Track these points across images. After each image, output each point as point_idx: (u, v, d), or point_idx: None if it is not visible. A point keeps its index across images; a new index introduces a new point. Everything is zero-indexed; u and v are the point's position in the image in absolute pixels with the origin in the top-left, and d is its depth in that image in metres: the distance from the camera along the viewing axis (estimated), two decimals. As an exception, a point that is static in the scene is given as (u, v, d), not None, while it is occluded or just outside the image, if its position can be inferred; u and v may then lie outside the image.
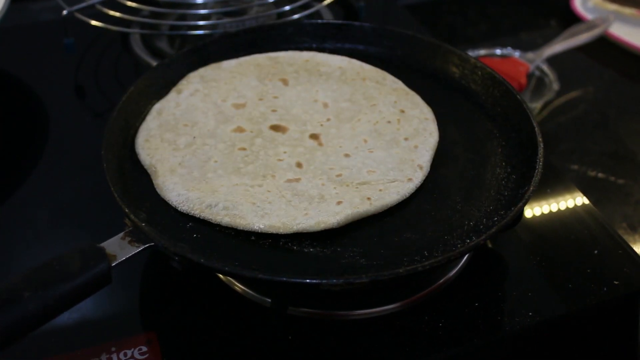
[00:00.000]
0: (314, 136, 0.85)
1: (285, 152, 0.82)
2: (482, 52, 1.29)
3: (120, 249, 0.67)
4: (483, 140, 0.87)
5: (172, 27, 1.20)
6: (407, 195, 0.78)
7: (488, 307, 0.79)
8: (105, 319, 0.77)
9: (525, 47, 1.32)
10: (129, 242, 0.68)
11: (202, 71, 0.93)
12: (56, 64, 1.20)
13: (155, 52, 1.19)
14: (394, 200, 0.77)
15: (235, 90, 0.91)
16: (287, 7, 1.14)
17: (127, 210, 0.71)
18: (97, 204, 0.92)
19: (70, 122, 1.10)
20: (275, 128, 0.85)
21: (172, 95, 0.89)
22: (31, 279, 0.62)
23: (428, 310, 0.78)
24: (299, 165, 0.80)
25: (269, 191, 0.77)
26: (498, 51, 1.29)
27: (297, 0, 1.14)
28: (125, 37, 1.23)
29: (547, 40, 1.35)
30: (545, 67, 1.26)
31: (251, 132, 0.85)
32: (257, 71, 0.94)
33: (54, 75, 1.18)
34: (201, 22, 1.11)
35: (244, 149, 0.82)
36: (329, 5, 1.16)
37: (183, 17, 1.19)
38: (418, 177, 0.80)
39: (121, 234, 0.69)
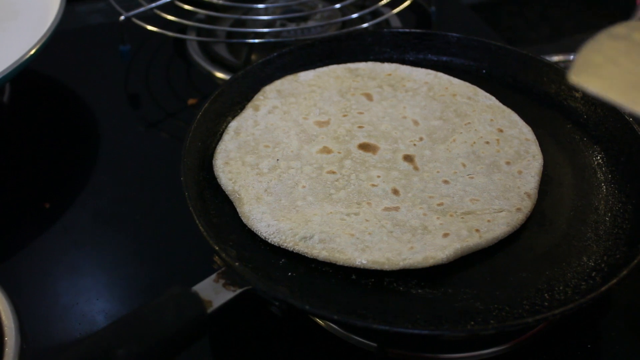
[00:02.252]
0: (408, 158, 0.77)
1: (378, 177, 0.75)
2: (555, 58, 1.21)
3: (214, 293, 0.60)
4: (589, 164, 0.79)
5: (230, 34, 1.12)
6: (518, 226, 0.71)
7: (600, 351, 0.72)
8: None
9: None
10: (223, 285, 0.61)
11: (278, 84, 0.86)
12: (105, 70, 1.14)
13: (213, 58, 1.11)
14: (504, 232, 0.70)
15: (316, 106, 0.84)
16: (354, 15, 1.06)
17: (217, 248, 0.64)
18: (154, 220, 0.87)
19: (122, 132, 1.03)
20: (365, 147, 0.78)
21: (249, 113, 0.82)
22: (123, 333, 0.55)
23: (534, 354, 0.71)
24: (395, 192, 0.73)
25: (367, 220, 0.70)
26: (572, 57, 1.20)
27: (364, 7, 1.07)
28: (180, 41, 1.16)
29: (614, 44, 1.27)
30: None
31: (339, 152, 0.78)
32: (337, 84, 0.87)
33: (104, 81, 1.12)
34: (265, 30, 1.04)
35: (333, 172, 0.75)
36: (399, 13, 1.08)
37: (242, 22, 1.12)
38: (527, 207, 0.73)
39: (213, 276, 0.61)
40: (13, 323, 0.71)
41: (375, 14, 1.14)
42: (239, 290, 0.60)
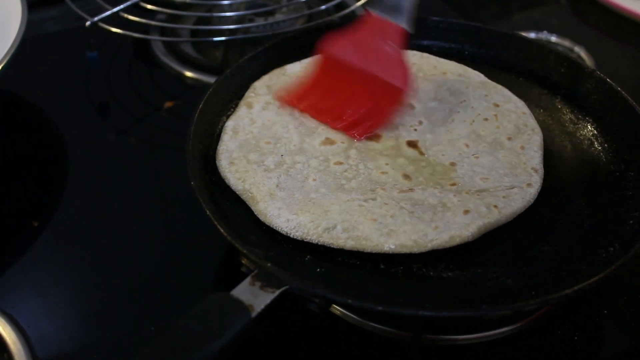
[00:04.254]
0: (412, 144, 0.77)
1: (387, 164, 0.74)
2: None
3: (253, 296, 0.58)
4: (585, 135, 0.81)
5: (195, 32, 1.09)
6: (532, 201, 0.72)
7: (604, 327, 0.74)
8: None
9: (541, 27, 1.26)
10: (260, 287, 0.59)
11: (267, 80, 0.84)
12: (67, 79, 1.08)
13: (181, 58, 1.08)
14: (521, 207, 0.71)
15: (309, 99, 0.82)
16: (322, 7, 1.05)
17: (245, 251, 0.61)
18: (147, 228, 0.84)
19: (91, 144, 0.98)
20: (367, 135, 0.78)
21: (243, 111, 0.80)
22: (173, 348, 0.52)
23: (560, 325, 0.72)
24: (406, 177, 0.73)
25: (385, 204, 0.69)
26: (532, 35, 1.22)
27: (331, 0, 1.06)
28: (144, 43, 1.11)
29: (562, 18, 1.31)
30: (582, 52, 1.20)
31: (342, 142, 0.77)
32: (325, 74, 0.86)
33: (67, 91, 1.06)
34: (237, 26, 1.01)
35: (340, 163, 0.74)
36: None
37: (207, 19, 1.09)
38: (536, 182, 0.74)
39: (248, 279, 0.59)
40: (24, 353, 0.67)
41: (342, 5, 1.12)
42: (277, 291, 0.59)
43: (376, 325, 0.70)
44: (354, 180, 0.72)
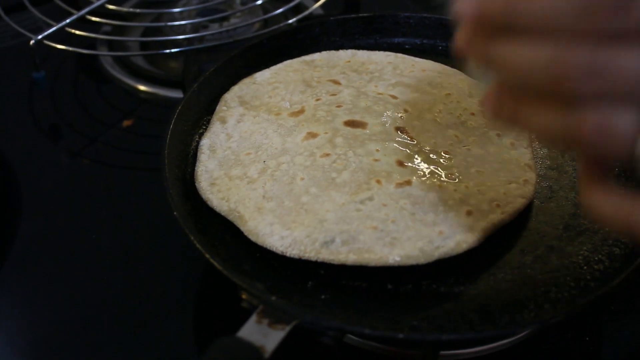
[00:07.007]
0: (401, 129, 0.73)
1: (378, 151, 0.69)
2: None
3: (263, 336, 0.53)
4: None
5: (145, 43, 1.03)
6: (532, 198, 0.69)
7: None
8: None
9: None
10: (269, 324, 0.54)
11: (237, 90, 0.79)
12: (10, 101, 1.00)
13: (133, 71, 1.01)
14: (522, 204, 0.67)
15: (284, 100, 0.77)
16: (279, 10, 1.00)
17: (245, 286, 0.56)
18: (104, 265, 0.76)
19: (43, 169, 0.91)
20: (352, 124, 0.73)
21: (217, 127, 0.74)
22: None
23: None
24: (400, 164, 0.68)
25: (384, 205, 0.64)
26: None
27: (287, 2, 1.01)
28: (91, 58, 1.04)
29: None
30: None
31: (325, 133, 0.72)
32: (298, 77, 0.81)
33: (9, 116, 0.98)
34: (193, 35, 0.95)
35: (327, 154, 0.69)
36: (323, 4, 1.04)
37: (157, 29, 1.02)
38: (532, 178, 0.70)
39: (254, 317, 0.54)
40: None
41: (299, 7, 1.07)
42: (288, 328, 0.53)
43: (381, 345, 0.65)
44: (345, 171, 0.67)
